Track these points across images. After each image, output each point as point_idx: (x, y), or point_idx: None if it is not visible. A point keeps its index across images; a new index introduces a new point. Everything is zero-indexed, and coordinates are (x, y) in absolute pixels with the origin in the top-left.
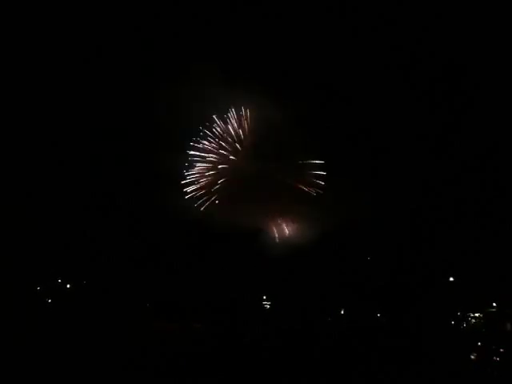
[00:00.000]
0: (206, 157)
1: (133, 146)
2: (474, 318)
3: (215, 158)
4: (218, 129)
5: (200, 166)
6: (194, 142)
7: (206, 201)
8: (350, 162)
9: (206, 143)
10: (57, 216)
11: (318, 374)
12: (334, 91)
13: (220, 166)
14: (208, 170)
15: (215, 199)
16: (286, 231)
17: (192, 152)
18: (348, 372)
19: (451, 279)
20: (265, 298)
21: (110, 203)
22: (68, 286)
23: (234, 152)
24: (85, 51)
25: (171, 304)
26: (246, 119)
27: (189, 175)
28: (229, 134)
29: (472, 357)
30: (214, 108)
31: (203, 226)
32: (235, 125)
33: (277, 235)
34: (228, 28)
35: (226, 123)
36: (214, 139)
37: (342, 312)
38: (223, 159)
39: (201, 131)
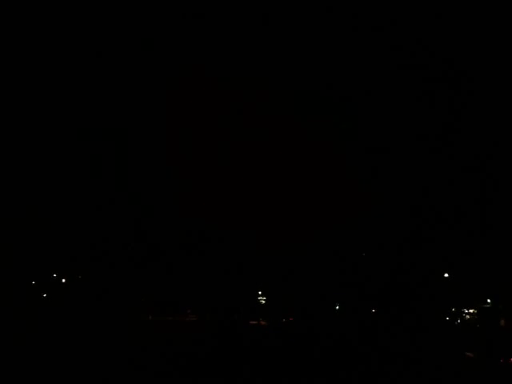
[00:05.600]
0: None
1: (132, 145)
2: (469, 314)
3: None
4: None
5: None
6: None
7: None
8: (350, 162)
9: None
10: (53, 212)
11: (318, 374)
12: (333, 91)
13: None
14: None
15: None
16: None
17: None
18: (348, 372)
19: (446, 275)
20: (260, 293)
21: (107, 200)
22: (63, 280)
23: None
24: (84, 52)
25: (167, 299)
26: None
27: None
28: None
29: (467, 353)
30: (214, 107)
31: (202, 224)
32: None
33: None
34: (232, 27)
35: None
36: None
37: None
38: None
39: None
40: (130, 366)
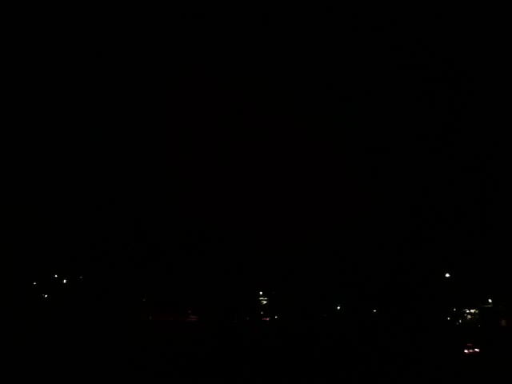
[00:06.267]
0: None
1: (132, 145)
2: (470, 314)
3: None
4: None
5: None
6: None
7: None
8: (350, 162)
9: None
10: (53, 212)
11: (318, 374)
12: (333, 91)
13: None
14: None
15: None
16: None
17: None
18: (348, 372)
19: (447, 275)
20: (261, 293)
21: (107, 200)
22: (64, 281)
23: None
24: (84, 52)
25: (167, 299)
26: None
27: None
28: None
29: (467, 352)
30: (214, 107)
31: (202, 223)
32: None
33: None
34: (232, 27)
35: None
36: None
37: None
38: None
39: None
40: (130, 366)
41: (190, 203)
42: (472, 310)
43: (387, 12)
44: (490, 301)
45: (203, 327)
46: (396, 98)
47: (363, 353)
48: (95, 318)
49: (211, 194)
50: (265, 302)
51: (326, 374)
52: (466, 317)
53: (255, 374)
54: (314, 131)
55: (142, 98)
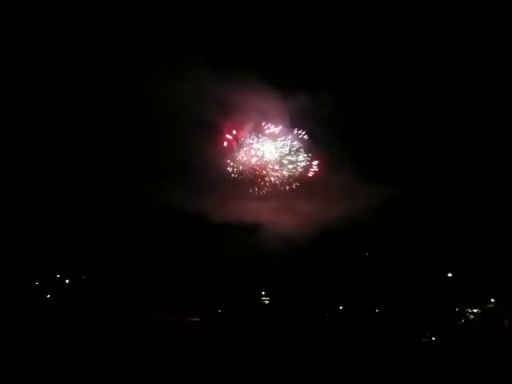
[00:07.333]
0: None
1: (132, 145)
2: (473, 313)
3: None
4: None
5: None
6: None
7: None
8: (350, 161)
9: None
10: (55, 212)
11: (318, 373)
12: (333, 91)
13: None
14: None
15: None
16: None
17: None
18: (348, 372)
19: (449, 275)
20: (263, 293)
21: (107, 200)
22: (67, 281)
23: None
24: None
25: (169, 299)
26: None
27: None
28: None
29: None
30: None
31: (202, 222)
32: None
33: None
34: (231, 27)
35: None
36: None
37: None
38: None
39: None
40: (130, 366)
41: (190, 203)
42: (475, 310)
43: (387, 12)
44: (492, 300)
45: (204, 327)
46: (396, 97)
47: (363, 353)
48: (97, 318)
49: (211, 193)
50: (267, 302)
51: (326, 374)
52: (469, 316)
53: (255, 374)
54: (313, 130)
55: (142, 98)
